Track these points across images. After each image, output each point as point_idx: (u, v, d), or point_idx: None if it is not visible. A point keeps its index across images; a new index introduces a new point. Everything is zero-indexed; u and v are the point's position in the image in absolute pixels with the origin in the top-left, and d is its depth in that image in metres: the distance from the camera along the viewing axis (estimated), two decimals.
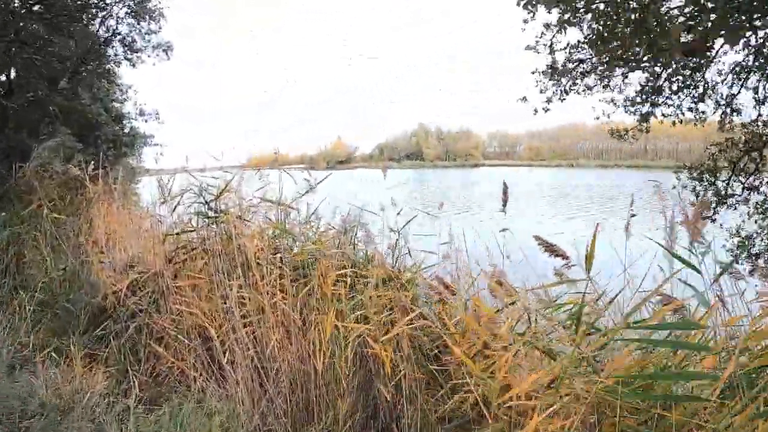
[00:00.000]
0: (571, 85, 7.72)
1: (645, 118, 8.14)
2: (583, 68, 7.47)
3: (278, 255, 4.21)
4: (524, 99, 8.23)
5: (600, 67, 7.20)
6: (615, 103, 8.26)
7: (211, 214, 4.36)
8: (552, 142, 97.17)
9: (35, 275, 5.51)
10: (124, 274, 4.64)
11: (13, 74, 8.58)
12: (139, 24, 9.36)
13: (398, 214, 4.66)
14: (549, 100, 8.05)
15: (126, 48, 9.36)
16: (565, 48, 7.41)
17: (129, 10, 9.16)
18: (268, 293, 3.87)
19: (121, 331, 4.23)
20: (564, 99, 7.88)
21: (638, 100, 8.11)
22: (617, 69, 7.25)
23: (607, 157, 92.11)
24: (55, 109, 7.28)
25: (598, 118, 8.49)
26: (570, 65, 7.45)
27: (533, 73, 7.91)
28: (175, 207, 4.43)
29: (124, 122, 9.00)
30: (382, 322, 3.55)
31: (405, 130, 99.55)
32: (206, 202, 4.34)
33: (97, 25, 8.96)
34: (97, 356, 4.25)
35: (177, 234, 4.38)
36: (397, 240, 4.60)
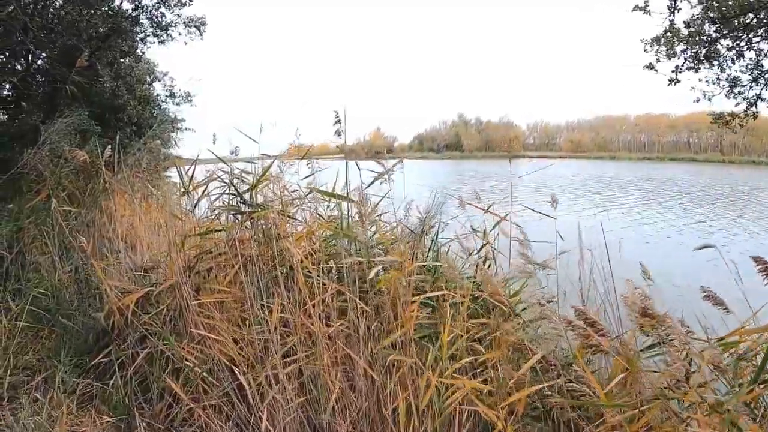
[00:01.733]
0: (699, 53, 6.51)
1: (753, 102, 6.87)
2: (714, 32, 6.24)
3: (332, 263, 3.18)
4: (651, 67, 7.05)
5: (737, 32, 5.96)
6: (720, 83, 6.99)
7: (244, 208, 3.34)
8: (592, 134, 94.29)
9: (39, 279, 4.63)
10: (137, 283, 3.67)
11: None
12: None
13: (488, 209, 3.58)
14: (678, 69, 6.87)
15: (154, 24, 8.44)
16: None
17: None
18: (320, 318, 2.84)
19: (128, 360, 3.25)
20: (698, 68, 6.68)
21: (745, 81, 6.85)
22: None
23: (649, 150, 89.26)
24: (72, 89, 6.37)
25: (698, 100, 7.24)
26: (703, 27, 6.23)
27: (665, 33, 6.72)
28: (198, 200, 3.42)
29: (151, 104, 8.08)
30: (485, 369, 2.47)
31: (444, 120, 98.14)
32: (239, 193, 3.32)
33: None
34: (97, 390, 3.30)
35: (200, 235, 3.36)
36: (483, 245, 3.54)
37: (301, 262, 3.04)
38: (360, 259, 2.93)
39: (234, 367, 2.89)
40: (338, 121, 2.86)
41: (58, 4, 7.60)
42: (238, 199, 3.37)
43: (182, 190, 3.54)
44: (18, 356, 3.69)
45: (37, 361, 3.69)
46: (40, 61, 7.93)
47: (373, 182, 3.04)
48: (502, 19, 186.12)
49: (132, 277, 3.83)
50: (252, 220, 3.32)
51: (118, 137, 4.98)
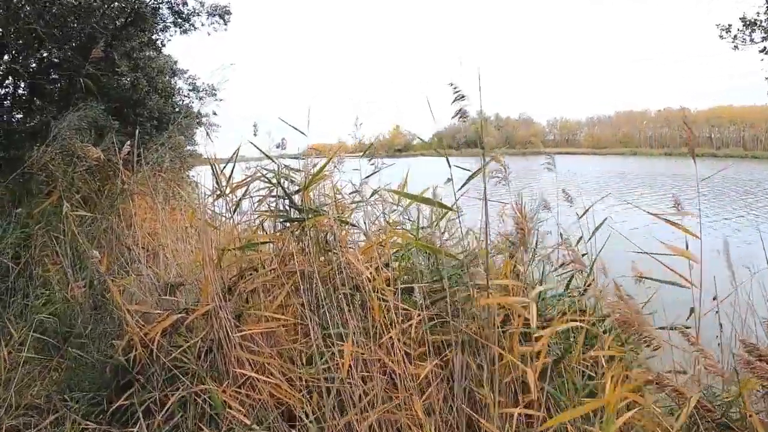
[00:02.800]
0: None
1: None
2: None
3: (409, 281, 2.53)
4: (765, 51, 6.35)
5: None
6: None
7: (295, 214, 2.69)
8: (613, 130, 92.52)
9: (48, 296, 4.03)
10: (162, 305, 3.01)
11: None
12: None
13: (596, 220, 2.87)
14: None
15: (175, 14, 7.83)
16: None
17: None
18: (404, 354, 2.17)
19: (156, 405, 2.60)
20: None
21: None
22: None
23: (672, 146, 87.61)
24: (87, 82, 5.76)
25: None
26: None
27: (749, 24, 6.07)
28: (238, 204, 2.76)
29: (173, 97, 7.42)
30: None
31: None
32: (288, 195, 2.66)
33: None
34: None
35: (241, 249, 2.69)
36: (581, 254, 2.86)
37: (369, 280, 2.37)
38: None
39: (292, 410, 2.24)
40: (461, 97, 2.09)
41: None
42: (286, 202, 2.72)
43: (213, 190, 2.88)
44: (22, 392, 3.07)
45: (45, 398, 3.06)
46: (54, 57, 7.37)
47: (468, 181, 2.34)
48: (516, 14, 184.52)
49: (153, 299, 3.19)
50: (303, 228, 2.66)
51: (137, 133, 4.36)
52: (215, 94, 7.62)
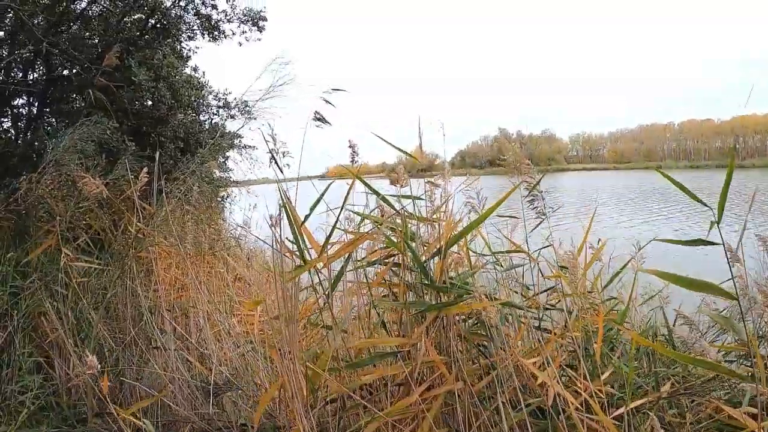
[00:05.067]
0: None
1: None
2: None
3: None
4: None
5: None
6: None
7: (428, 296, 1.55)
8: (636, 144, 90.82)
9: (39, 387, 2.98)
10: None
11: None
12: None
13: None
14: None
15: (202, 18, 6.80)
16: None
17: None
18: None
19: None
20: None
21: None
22: None
23: (695, 158, 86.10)
24: (98, 94, 4.70)
25: None
26: None
27: None
28: (336, 281, 1.61)
29: (201, 115, 6.30)
30: None
31: (485, 136, 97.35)
32: (421, 264, 1.52)
33: None
34: None
35: (353, 366, 1.54)
36: None
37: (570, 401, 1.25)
38: None
39: None
40: None
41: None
42: (416, 272, 1.58)
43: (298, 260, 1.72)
44: None
45: None
46: (65, 71, 6.42)
47: None
48: (537, 35, 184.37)
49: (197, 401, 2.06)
50: (443, 318, 1.52)
51: (158, 157, 3.30)
52: (249, 112, 6.50)
